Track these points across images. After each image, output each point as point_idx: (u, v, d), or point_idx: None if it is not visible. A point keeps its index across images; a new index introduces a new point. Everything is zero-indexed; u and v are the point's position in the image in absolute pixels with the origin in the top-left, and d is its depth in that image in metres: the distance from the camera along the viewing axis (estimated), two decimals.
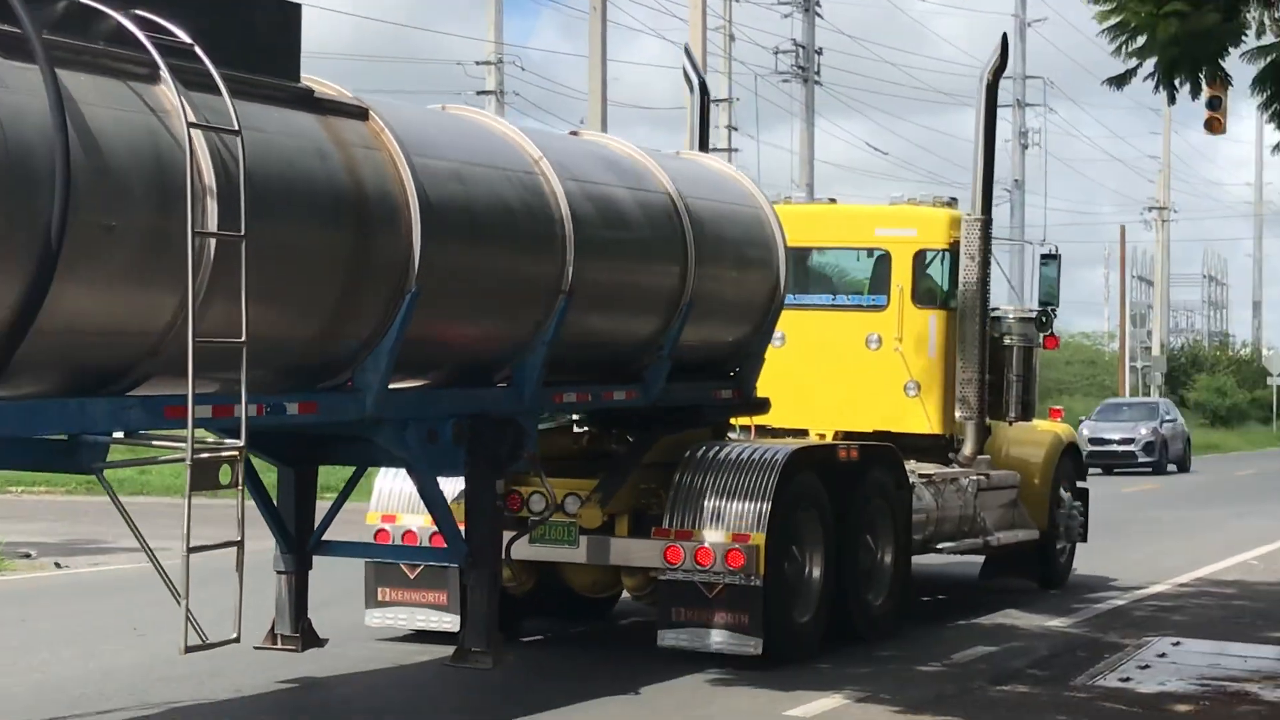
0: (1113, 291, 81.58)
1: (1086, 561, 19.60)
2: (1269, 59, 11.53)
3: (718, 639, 11.34)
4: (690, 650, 11.42)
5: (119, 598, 15.54)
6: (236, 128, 8.05)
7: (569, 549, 11.76)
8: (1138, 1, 10.48)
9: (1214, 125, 24.82)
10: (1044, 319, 16.09)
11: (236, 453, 8.25)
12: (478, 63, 43.22)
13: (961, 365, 15.13)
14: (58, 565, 18.06)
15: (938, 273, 15.42)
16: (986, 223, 15.22)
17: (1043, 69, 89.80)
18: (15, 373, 7.41)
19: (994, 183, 15.61)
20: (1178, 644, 13.18)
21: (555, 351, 10.67)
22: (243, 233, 8.00)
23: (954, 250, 15.22)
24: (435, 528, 10.69)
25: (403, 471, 11.35)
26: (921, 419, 15.09)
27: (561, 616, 13.25)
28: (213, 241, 7.94)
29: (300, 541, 10.88)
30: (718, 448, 11.94)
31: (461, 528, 10.51)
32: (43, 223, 7.17)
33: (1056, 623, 14.48)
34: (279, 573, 10.90)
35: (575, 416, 13.00)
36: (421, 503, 10.67)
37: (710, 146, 17.27)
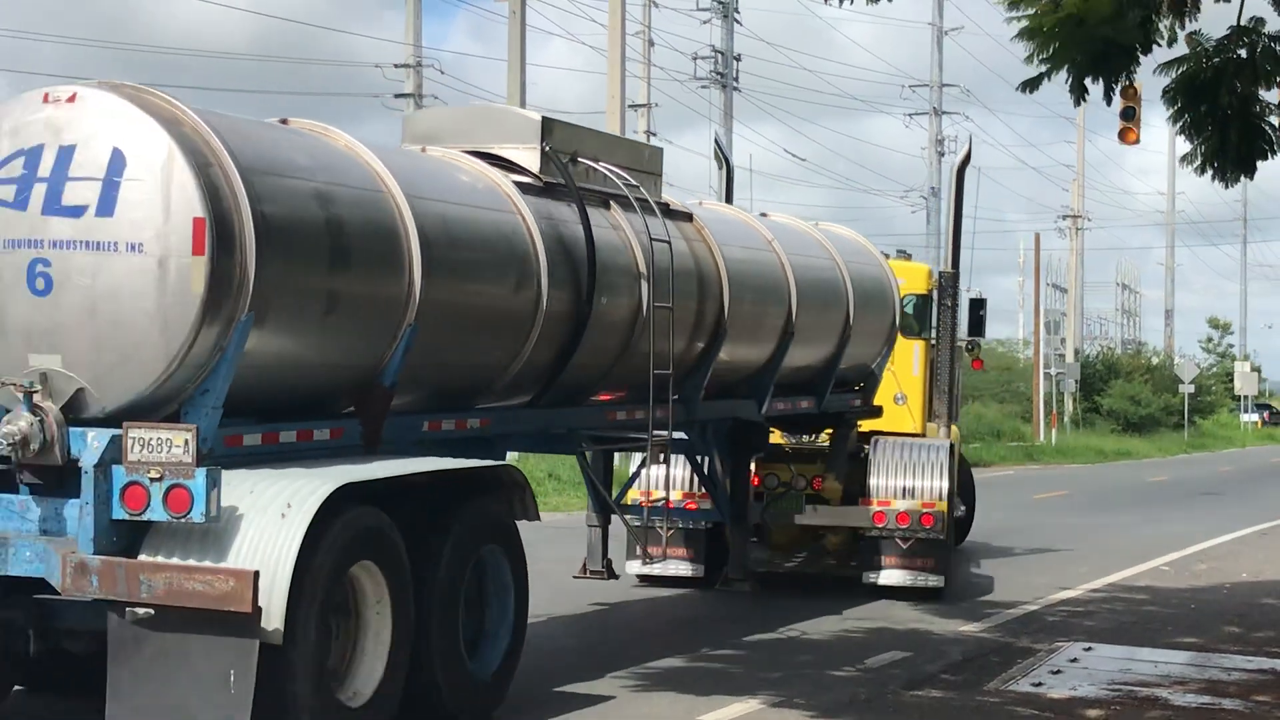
0: (1027, 299, 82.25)
1: (998, 566, 19.75)
2: (1180, 71, 11.67)
3: (910, 578, 16.10)
4: (889, 586, 16.06)
5: None
6: (668, 239, 12.51)
7: (795, 515, 16.47)
8: (1048, 7, 10.58)
9: (1127, 135, 25.09)
10: (972, 347, 21.92)
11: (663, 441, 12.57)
12: (396, 65, 42.96)
13: (936, 382, 18.51)
14: None
15: (919, 312, 19.00)
16: (955, 275, 18.53)
17: (958, 78, 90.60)
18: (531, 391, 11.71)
19: (961, 245, 18.81)
20: (1089, 649, 13.29)
21: (779, 377, 15.00)
22: (670, 305, 12.43)
23: (930, 296, 18.80)
24: (683, 500, 16.06)
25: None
26: (908, 421, 18.63)
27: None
28: (651, 309, 12.31)
29: (603, 503, 15.05)
30: (891, 441, 16.80)
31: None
32: (582, 297, 11.59)
33: (969, 627, 14.57)
34: (590, 525, 15.31)
35: None
36: (669, 481, 15.12)
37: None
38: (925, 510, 16.03)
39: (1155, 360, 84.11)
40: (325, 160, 9.83)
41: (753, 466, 16.32)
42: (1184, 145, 12.70)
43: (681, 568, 16.46)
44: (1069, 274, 76.93)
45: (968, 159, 18.89)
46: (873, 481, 16.28)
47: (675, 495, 15.92)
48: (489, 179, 11.29)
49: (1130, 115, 24.68)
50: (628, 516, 14.69)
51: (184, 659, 8.35)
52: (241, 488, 8.54)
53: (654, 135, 56.61)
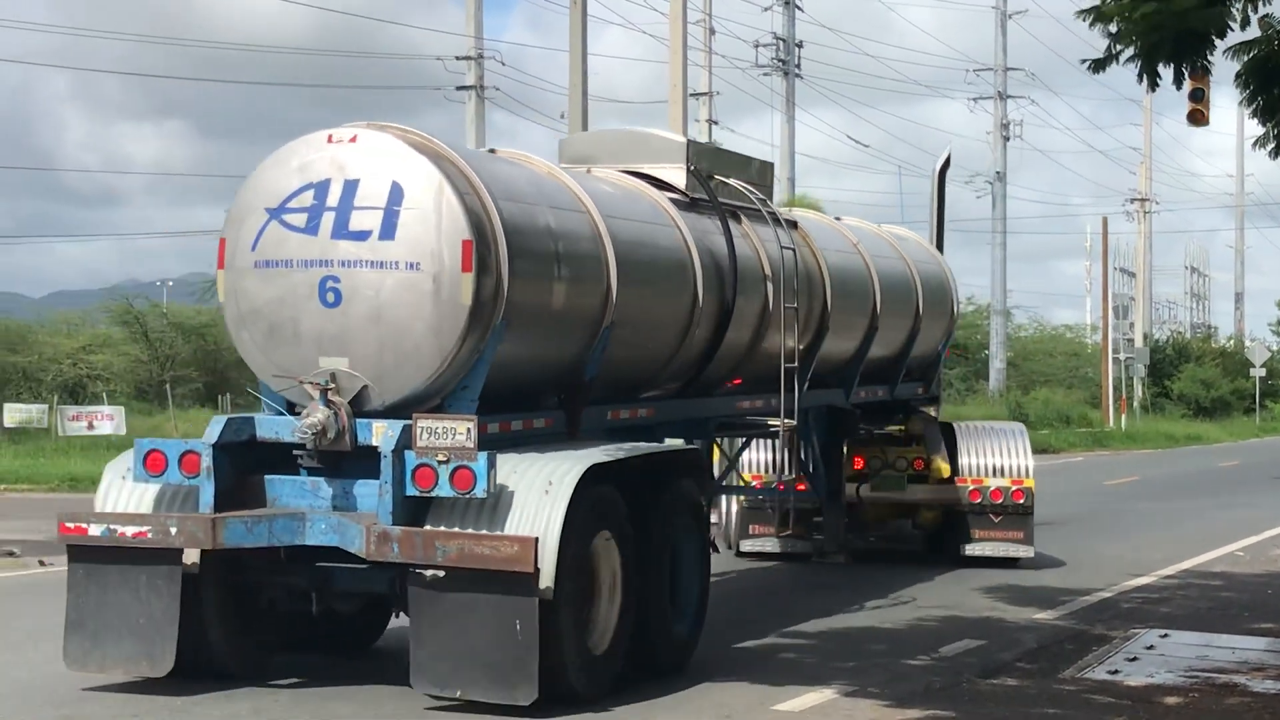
0: (1095, 283, 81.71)
1: (1072, 554, 19.63)
2: (1252, 54, 11.54)
3: (1004, 549, 17.92)
4: (985, 556, 17.90)
5: None
6: (793, 246, 14.40)
7: (899, 493, 18.26)
8: None
9: (1197, 117, 24.82)
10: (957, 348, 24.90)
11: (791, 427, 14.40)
12: (458, 58, 43.11)
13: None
14: (42, 563, 18.00)
15: None
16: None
17: (1023, 61, 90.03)
18: (681, 382, 13.46)
19: (944, 242, 20.53)
20: (1165, 636, 13.20)
21: (864, 368, 16.85)
22: (795, 305, 14.23)
23: None
24: (776, 481, 16.28)
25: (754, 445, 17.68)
26: None
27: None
28: (777, 308, 14.03)
29: (723, 485, 16.54)
30: (972, 426, 18.80)
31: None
32: (726, 299, 13.26)
33: (1043, 615, 14.49)
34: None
35: None
36: (792, 463, 15.34)
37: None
38: (1015, 487, 17.91)
39: (1226, 344, 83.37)
40: (541, 186, 11.60)
41: (844, 450, 17.91)
42: (1255, 128, 12.59)
43: (799, 545, 18.20)
44: (1137, 257, 76.31)
45: (947, 164, 19.88)
46: (964, 461, 18.07)
47: (767, 477, 17.48)
48: (650, 197, 13.03)
49: (1199, 96, 24.42)
50: (742, 498, 17.21)
51: (475, 612, 9.81)
52: (505, 468, 10.06)
53: (716, 123, 56.54)
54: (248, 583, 10.84)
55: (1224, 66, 11.82)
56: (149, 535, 10.23)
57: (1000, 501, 17.88)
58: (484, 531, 9.80)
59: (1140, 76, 11.04)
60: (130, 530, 10.28)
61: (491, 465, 9.88)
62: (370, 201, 10.35)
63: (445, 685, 9.95)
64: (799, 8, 54.30)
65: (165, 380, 46.44)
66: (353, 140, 10.52)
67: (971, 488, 17.95)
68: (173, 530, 10.19)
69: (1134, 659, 12.11)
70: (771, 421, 14.52)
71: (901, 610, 14.59)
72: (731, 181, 14.23)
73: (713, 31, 53.23)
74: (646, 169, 13.51)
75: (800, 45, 54.25)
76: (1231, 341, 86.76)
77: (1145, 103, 75.75)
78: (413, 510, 10.04)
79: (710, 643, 12.61)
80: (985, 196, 64.21)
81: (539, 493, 9.93)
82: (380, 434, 10.26)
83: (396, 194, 10.31)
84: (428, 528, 9.90)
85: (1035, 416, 56.74)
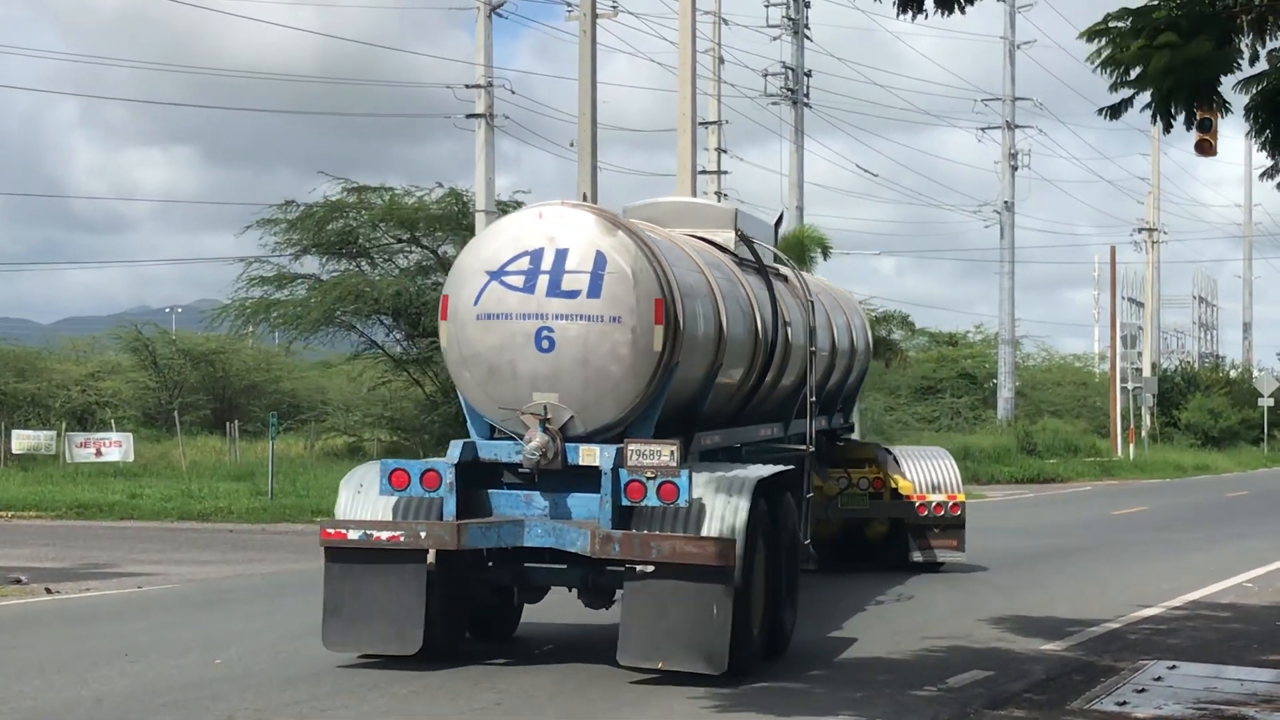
0: (1102, 313, 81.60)
1: (1078, 583, 19.60)
2: (1260, 87, 11.57)
3: (944, 555, 20.91)
4: (930, 561, 20.84)
5: (110, 624, 15.50)
6: (814, 299, 17.79)
7: (864, 508, 20.76)
8: (1130, 34, 10.50)
9: (1205, 148, 24.73)
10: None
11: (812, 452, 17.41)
12: (467, 86, 43.17)
13: None
14: (49, 591, 18.00)
15: None
16: None
17: (1030, 90, 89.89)
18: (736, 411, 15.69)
19: None
20: (1174, 667, 13.15)
21: (825, 399, 19.53)
22: (815, 348, 17.32)
23: None
24: None
25: None
26: None
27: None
28: (804, 351, 17.06)
29: None
30: (908, 450, 22.13)
31: None
32: (773, 344, 15.71)
33: (1051, 646, 14.45)
34: None
35: None
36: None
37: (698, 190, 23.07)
38: (951, 501, 20.92)
39: (1234, 374, 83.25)
40: (677, 248, 14.08)
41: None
42: (1263, 159, 12.62)
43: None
44: (1145, 287, 76.26)
45: (779, 222, 21.15)
46: (912, 481, 20.95)
47: None
48: (719, 257, 15.44)
49: (1207, 127, 24.24)
50: None
51: (678, 599, 12.02)
52: (695, 482, 12.35)
53: (725, 152, 56.58)
54: (461, 579, 13.12)
55: (1231, 96, 11.86)
56: (401, 539, 12.44)
57: (941, 515, 20.84)
58: (681, 534, 12.11)
59: (1154, 118, 11.08)
60: (385, 535, 12.49)
61: (689, 479, 12.18)
62: (578, 266, 12.71)
63: (649, 658, 12.06)
64: (808, 37, 54.38)
65: (174, 407, 46.47)
66: (560, 216, 12.89)
67: (918, 503, 20.76)
68: (422, 534, 12.40)
69: (1142, 690, 12.07)
70: (797, 446, 16.83)
71: (908, 640, 14.56)
72: (757, 242, 16.81)
73: (721, 60, 53.32)
74: (700, 233, 15.90)
75: (809, 74, 54.32)
76: (1239, 371, 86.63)
77: (1153, 133, 75.73)
78: (623, 517, 12.37)
79: (697, 677, 12.61)
80: (993, 226, 64.25)
81: (723, 501, 12.29)
82: (590, 456, 12.58)
83: (600, 260, 12.70)
84: (643, 531, 12.20)
85: (1043, 445, 56.70)
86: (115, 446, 40.08)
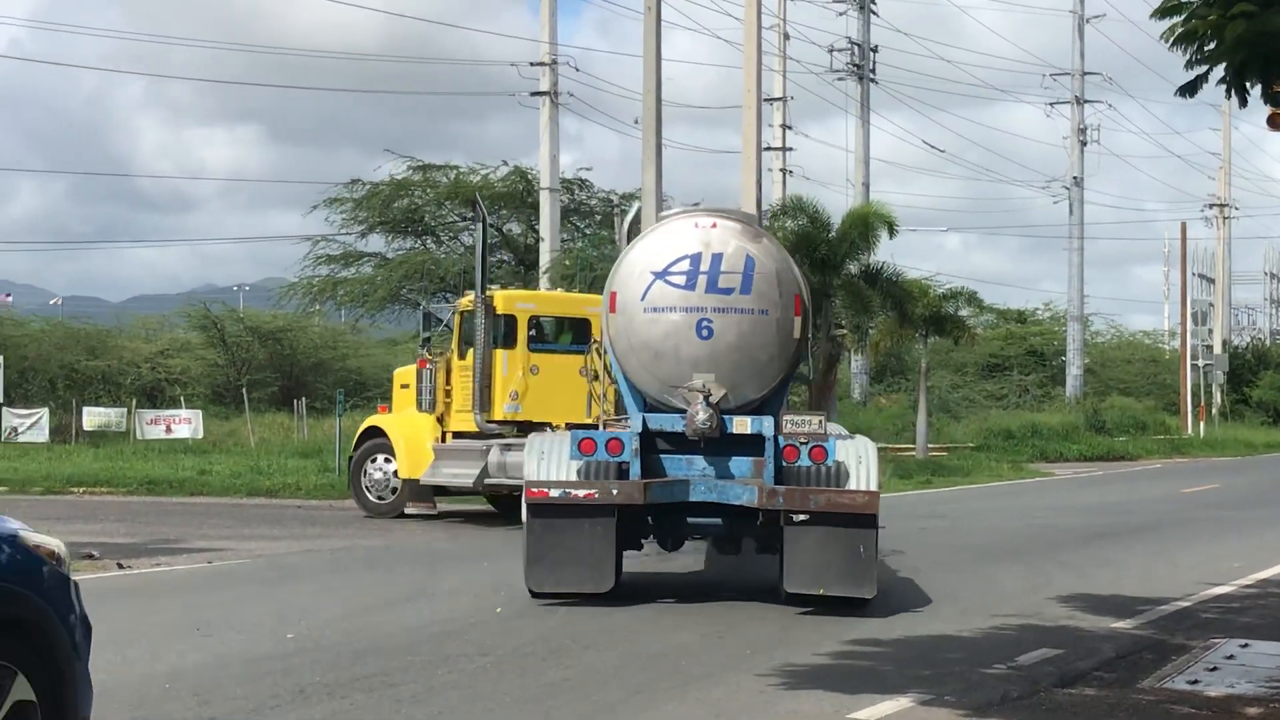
0: (1172, 289, 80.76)
1: (1149, 562, 19.44)
2: None
3: None
4: None
5: (181, 598, 15.63)
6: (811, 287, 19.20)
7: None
8: (1204, 7, 10.34)
9: (1277, 122, 24.48)
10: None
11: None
12: (532, 64, 43.16)
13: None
14: (120, 566, 18.16)
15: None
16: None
17: (1098, 64, 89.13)
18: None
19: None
20: (1245, 646, 13.03)
21: None
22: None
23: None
24: None
25: None
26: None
27: None
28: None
29: None
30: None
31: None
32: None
33: (1122, 624, 14.34)
34: None
35: None
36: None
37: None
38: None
39: None
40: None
41: None
42: None
43: None
44: (1216, 263, 75.54)
45: (637, 219, 22.10)
46: None
47: None
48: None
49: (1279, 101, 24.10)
50: None
51: (831, 542, 14.60)
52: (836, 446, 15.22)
53: (790, 128, 56.36)
54: (631, 529, 15.52)
55: None
56: (596, 496, 14.71)
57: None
58: (833, 488, 14.78)
59: (1228, 93, 10.90)
60: (581, 493, 14.73)
61: (835, 444, 15.05)
62: (731, 268, 15.17)
63: (812, 587, 14.69)
64: (874, 12, 54.05)
65: (242, 384, 46.82)
66: (713, 226, 15.39)
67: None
68: (614, 492, 14.75)
69: (1214, 669, 11.96)
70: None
71: (976, 618, 14.49)
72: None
73: (787, 36, 53.09)
74: None
75: (875, 49, 54.00)
76: None
77: (1224, 108, 75.00)
78: (781, 475, 15.02)
79: (781, 650, 12.58)
80: (1062, 202, 63.77)
81: (854, 460, 15.05)
82: (743, 425, 15.13)
83: (750, 263, 15.20)
84: (801, 487, 14.77)
85: (1112, 423, 56.30)
86: (185, 423, 40.43)
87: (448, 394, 24.96)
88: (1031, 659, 12.39)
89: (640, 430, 15.22)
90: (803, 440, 15.07)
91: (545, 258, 40.18)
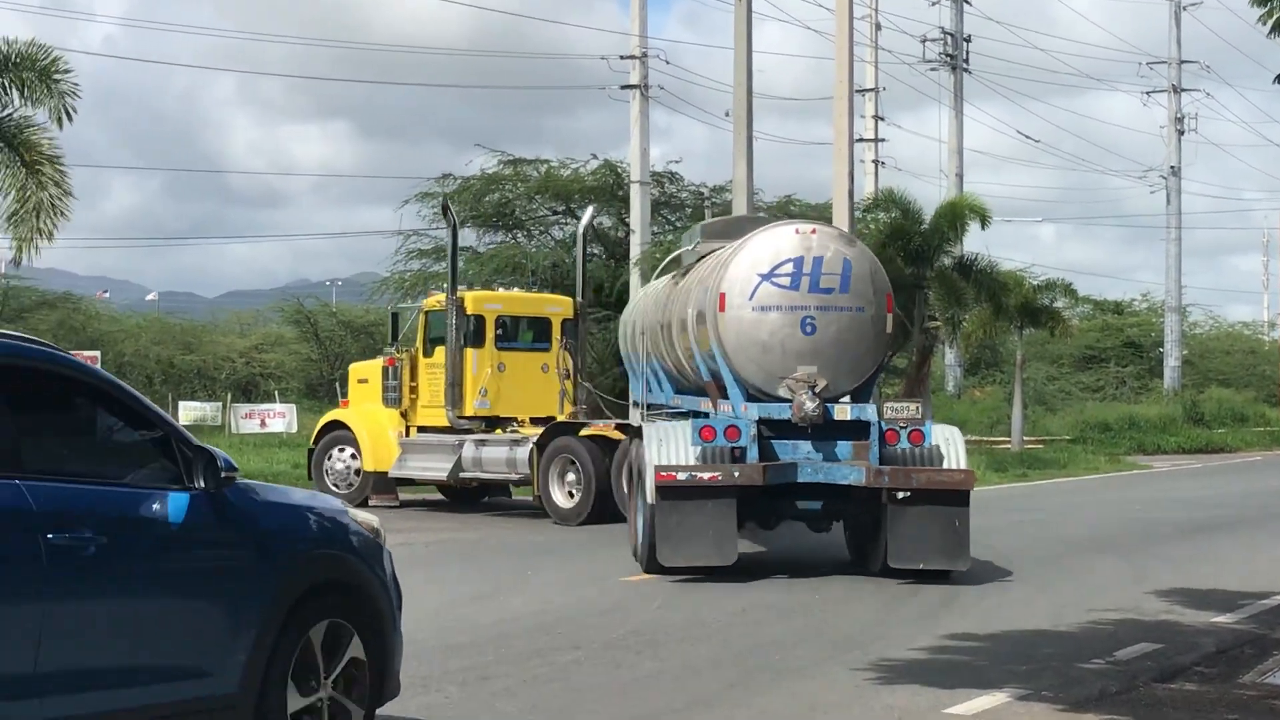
0: (1272, 279, 79.71)
1: (1250, 556, 19.15)
2: None
3: None
4: None
5: None
6: None
7: None
8: None
9: None
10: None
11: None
12: (622, 57, 43.13)
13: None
14: None
15: (569, 330, 25.89)
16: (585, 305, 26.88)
17: (1194, 52, 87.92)
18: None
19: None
20: None
21: None
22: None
23: (576, 316, 26.12)
24: None
25: None
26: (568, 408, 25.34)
27: None
28: None
29: None
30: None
31: None
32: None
33: (1222, 618, 14.12)
34: None
35: None
36: None
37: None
38: None
39: None
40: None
41: None
42: None
43: None
44: None
45: (591, 221, 23.91)
46: None
47: None
48: None
49: None
50: None
51: (930, 517, 16.20)
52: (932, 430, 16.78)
53: (881, 119, 56.05)
54: (744, 509, 16.55)
55: None
56: (719, 478, 16.05)
57: None
58: (932, 467, 16.28)
59: None
60: (706, 475, 16.07)
61: (931, 428, 16.56)
62: (831, 270, 16.72)
63: (913, 561, 16.21)
64: (967, 1, 53.64)
65: (335, 378, 47.13)
66: (812, 232, 17.01)
67: None
68: (736, 475, 16.08)
69: None
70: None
71: (1073, 612, 14.31)
72: None
73: (879, 27, 52.81)
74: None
75: (968, 40, 53.60)
76: None
77: None
78: (882, 456, 16.38)
79: (876, 643, 12.48)
80: (1158, 192, 63.04)
81: (945, 444, 16.60)
82: (843, 412, 16.55)
83: (847, 266, 16.78)
84: (903, 467, 16.22)
85: (1210, 415, 55.59)
86: (279, 417, 40.77)
87: (413, 390, 25.71)
88: (1130, 654, 12.22)
89: (756, 418, 16.48)
90: (902, 424, 16.39)
91: (635, 250, 40.12)
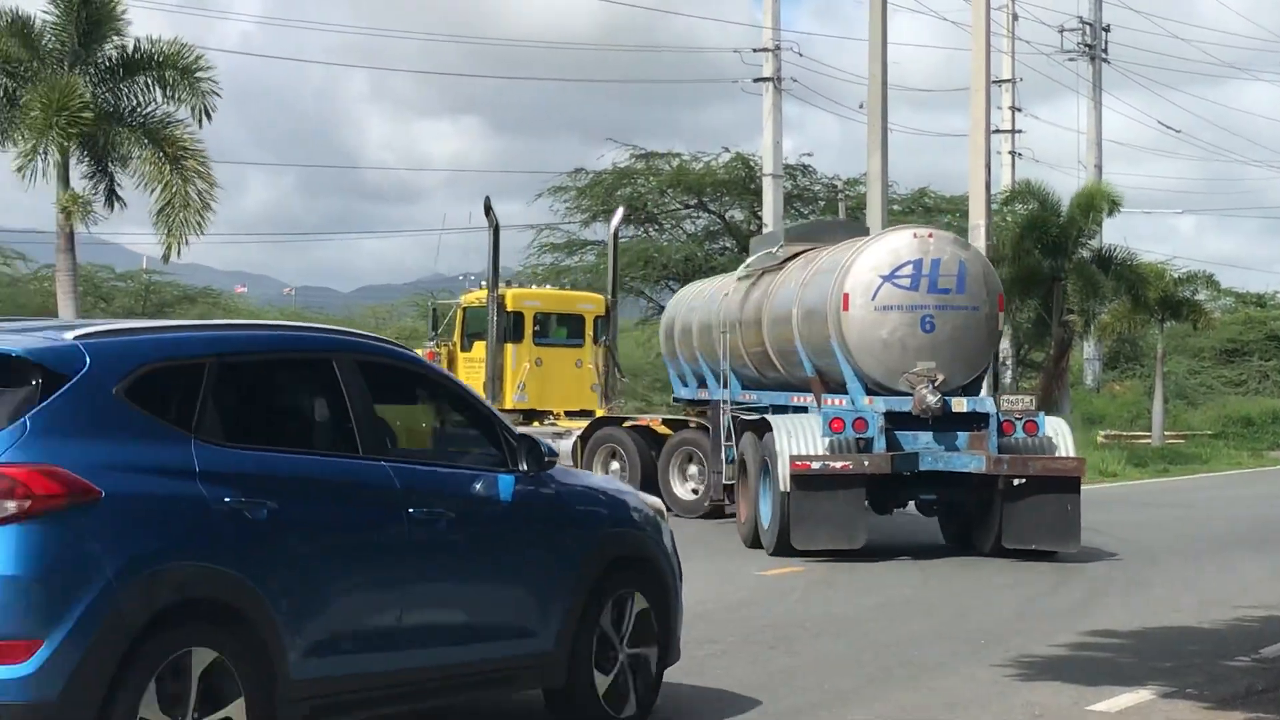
0: None
1: None
2: None
3: None
4: None
5: None
6: None
7: None
8: None
9: None
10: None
11: None
12: (754, 50, 43.02)
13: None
14: None
15: (600, 327, 26.27)
16: (614, 303, 26.91)
17: None
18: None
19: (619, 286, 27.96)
20: None
21: None
22: None
23: (607, 313, 26.41)
24: None
25: None
26: (596, 403, 25.66)
27: None
28: None
29: None
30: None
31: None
32: None
33: None
34: None
35: None
36: None
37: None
38: None
39: None
40: None
41: None
42: None
43: None
44: None
45: (620, 223, 24.35)
46: None
47: None
48: None
49: None
50: None
51: (1044, 502, 17.30)
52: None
53: (1019, 110, 55.47)
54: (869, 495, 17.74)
55: None
56: (850, 467, 17.15)
57: None
58: (1047, 455, 17.45)
59: None
60: (838, 464, 17.15)
61: (1044, 419, 17.85)
62: (948, 272, 17.77)
63: (1025, 542, 17.37)
64: None
65: None
66: (930, 237, 18.13)
67: None
68: (865, 464, 17.21)
69: None
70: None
71: (1217, 610, 14.06)
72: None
73: (1015, 17, 52.25)
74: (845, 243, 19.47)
75: (1107, 29, 52.90)
76: None
77: None
78: (1000, 446, 17.41)
79: (1016, 639, 12.34)
80: None
81: (1054, 434, 17.79)
82: (960, 405, 17.51)
83: (962, 268, 17.86)
84: (1020, 455, 17.36)
85: None
86: None
87: None
88: (1276, 651, 11.99)
89: (883, 411, 17.47)
90: (1017, 416, 17.61)
91: None
